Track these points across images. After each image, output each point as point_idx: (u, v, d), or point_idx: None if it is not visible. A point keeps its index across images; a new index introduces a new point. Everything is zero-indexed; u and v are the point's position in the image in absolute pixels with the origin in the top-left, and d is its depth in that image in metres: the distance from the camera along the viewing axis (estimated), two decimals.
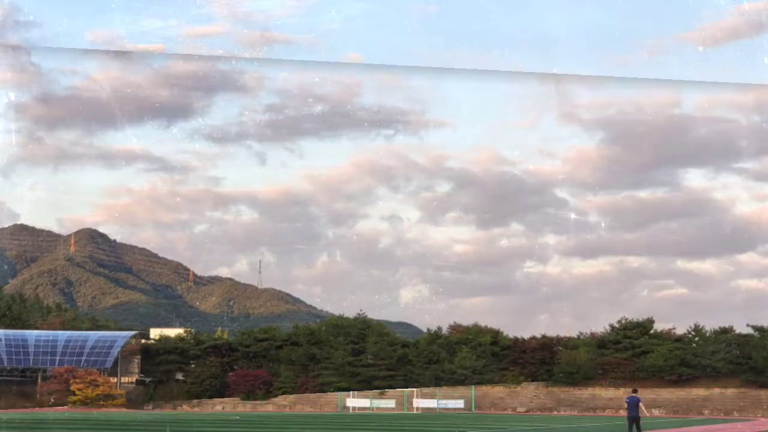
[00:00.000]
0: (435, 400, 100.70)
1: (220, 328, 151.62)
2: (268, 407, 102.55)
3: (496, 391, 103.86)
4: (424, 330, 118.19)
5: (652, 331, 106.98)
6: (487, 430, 48.14)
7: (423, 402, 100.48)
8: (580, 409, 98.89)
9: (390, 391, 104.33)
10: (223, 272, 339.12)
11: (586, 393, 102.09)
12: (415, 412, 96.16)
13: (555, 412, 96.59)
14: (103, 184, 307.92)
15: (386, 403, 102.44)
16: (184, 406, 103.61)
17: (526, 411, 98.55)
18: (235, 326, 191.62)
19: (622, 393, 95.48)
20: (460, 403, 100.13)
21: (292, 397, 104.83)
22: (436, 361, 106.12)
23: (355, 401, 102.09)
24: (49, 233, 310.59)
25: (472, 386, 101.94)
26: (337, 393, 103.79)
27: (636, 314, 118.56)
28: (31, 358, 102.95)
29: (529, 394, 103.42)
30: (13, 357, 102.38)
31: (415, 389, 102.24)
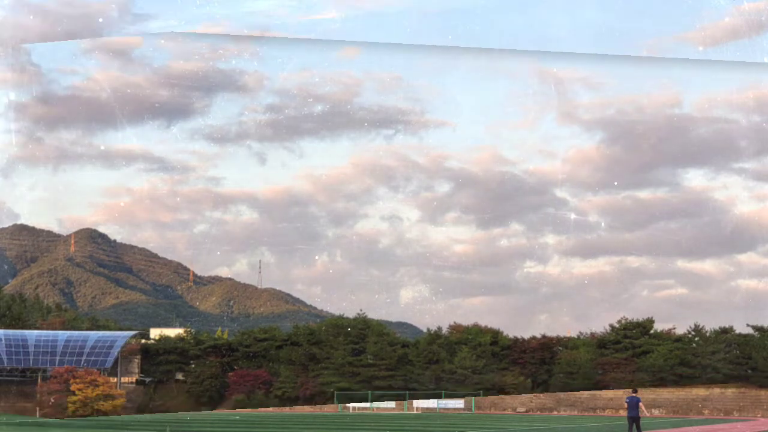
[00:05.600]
0: (435, 400, 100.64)
1: (220, 328, 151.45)
2: (268, 407, 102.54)
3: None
4: (424, 330, 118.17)
5: (652, 331, 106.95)
6: (486, 430, 48.12)
7: (423, 402, 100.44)
8: (580, 409, 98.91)
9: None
10: (223, 272, 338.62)
11: (586, 393, 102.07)
12: (415, 412, 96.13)
13: (555, 412, 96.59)
14: (103, 184, 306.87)
15: (386, 403, 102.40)
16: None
17: (526, 411, 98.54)
18: (235, 326, 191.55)
19: (622, 393, 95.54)
20: (460, 403, 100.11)
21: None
22: (436, 361, 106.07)
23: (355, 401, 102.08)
24: (49, 233, 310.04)
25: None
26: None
27: (636, 314, 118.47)
28: (31, 358, 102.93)
29: (529, 394, 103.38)
30: (13, 357, 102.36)
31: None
